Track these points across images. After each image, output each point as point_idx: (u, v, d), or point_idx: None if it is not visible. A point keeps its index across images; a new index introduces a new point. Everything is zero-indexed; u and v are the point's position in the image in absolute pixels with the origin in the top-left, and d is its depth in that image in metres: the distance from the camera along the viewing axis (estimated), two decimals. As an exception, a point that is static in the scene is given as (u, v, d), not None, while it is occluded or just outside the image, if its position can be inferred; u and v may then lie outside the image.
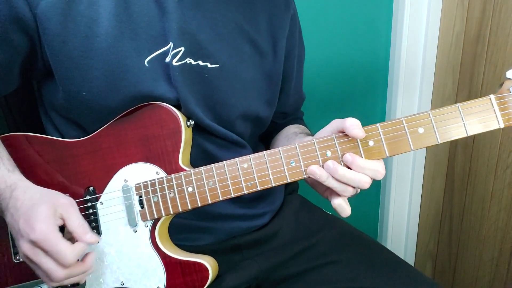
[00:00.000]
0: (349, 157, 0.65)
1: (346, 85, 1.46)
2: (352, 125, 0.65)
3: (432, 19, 1.37)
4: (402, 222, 1.65)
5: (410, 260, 1.69)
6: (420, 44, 1.40)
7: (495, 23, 1.20)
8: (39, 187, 0.69)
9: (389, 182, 1.59)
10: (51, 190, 0.69)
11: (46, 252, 0.63)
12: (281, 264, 0.84)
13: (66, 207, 0.66)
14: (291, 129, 0.93)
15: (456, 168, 1.44)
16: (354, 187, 0.66)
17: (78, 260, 0.66)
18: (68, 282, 0.67)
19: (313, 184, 0.73)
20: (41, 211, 0.63)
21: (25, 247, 0.63)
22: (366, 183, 0.66)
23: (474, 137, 1.33)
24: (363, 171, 0.65)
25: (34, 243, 0.62)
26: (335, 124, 0.68)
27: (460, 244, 1.47)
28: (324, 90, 1.44)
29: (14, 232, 0.66)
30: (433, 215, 1.59)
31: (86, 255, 0.68)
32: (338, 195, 0.67)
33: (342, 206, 0.67)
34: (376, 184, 1.65)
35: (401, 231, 1.66)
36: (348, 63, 1.43)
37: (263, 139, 0.98)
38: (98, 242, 0.69)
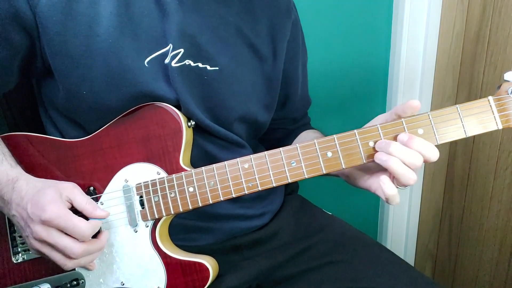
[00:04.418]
0: (404, 135, 0.63)
1: (346, 85, 1.45)
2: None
3: (432, 19, 1.37)
4: (402, 222, 1.65)
5: (410, 260, 1.69)
6: (420, 44, 1.40)
7: (495, 23, 1.20)
8: (40, 178, 0.70)
9: (389, 182, 1.59)
10: (52, 180, 0.71)
11: (60, 229, 0.64)
12: (281, 264, 0.84)
13: (70, 189, 0.68)
14: (311, 134, 0.94)
15: (456, 168, 1.44)
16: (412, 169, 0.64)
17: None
18: (84, 262, 0.68)
19: (352, 175, 0.73)
20: (48, 194, 0.65)
21: (38, 230, 0.64)
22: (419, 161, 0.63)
23: (474, 137, 1.33)
24: (420, 150, 0.63)
25: (47, 223, 0.63)
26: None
27: (460, 244, 1.47)
28: (324, 91, 1.44)
29: (22, 221, 0.66)
30: (433, 215, 1.59)
31: (99, 232, 0.70)
32: (392, 183, 0.64)
33: (395, 196, 0.65)
34: (376, 184, 1.64)
35: (401, 231, 1.66)
36: (348, 64, 1.43)
37: (274, 143, 0.98)
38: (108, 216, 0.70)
